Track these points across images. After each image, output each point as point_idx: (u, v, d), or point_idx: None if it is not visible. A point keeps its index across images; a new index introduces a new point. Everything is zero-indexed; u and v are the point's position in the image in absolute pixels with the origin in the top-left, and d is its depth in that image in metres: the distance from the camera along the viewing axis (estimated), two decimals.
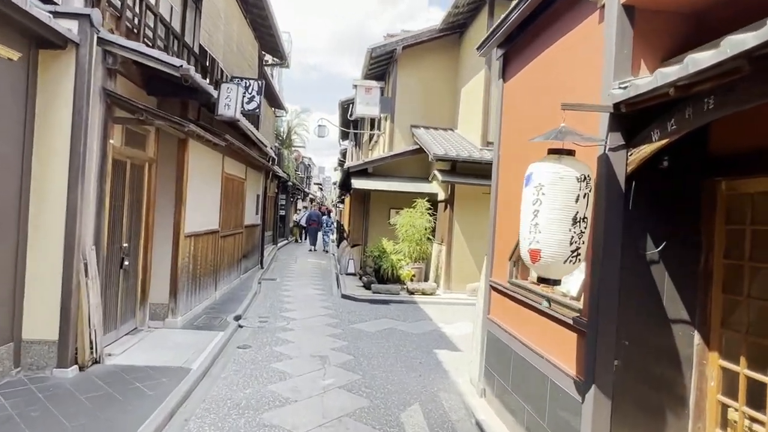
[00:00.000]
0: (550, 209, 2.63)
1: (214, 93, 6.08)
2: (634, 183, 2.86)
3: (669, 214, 2.95)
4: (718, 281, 2.95)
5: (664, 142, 2.55)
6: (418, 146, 12.66)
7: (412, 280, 11.09)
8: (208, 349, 5.60)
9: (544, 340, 3.64)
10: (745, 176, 2.78)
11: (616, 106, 2.81)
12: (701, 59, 2.10)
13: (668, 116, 2.48)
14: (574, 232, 2.63)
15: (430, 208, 11.71)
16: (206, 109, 7.21)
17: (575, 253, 2.67)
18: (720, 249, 2.94)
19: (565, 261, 2.67)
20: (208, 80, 8.09)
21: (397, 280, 11.12)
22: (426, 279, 11.63)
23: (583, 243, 2.68)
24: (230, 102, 6.28)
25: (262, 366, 5.39)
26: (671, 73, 2.29)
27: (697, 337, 2.99)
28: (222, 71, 9.16)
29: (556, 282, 2.80)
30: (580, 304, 3.19)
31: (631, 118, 2.83)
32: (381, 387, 4.99)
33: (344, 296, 10.24)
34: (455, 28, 13.04)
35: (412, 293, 10.55)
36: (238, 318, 7.44)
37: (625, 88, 2.74)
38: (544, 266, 2.71)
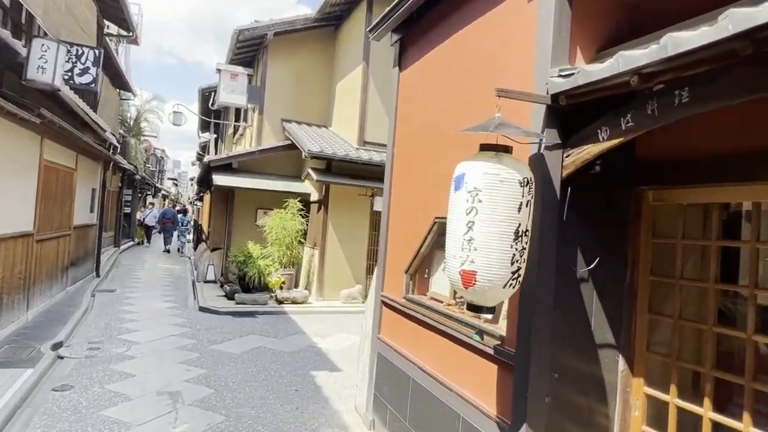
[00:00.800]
0: (489, 221, 2.07)
1: (22, 50, 4.53)
2: (569, 189, 2.45)
3: (600, 227, 2.61)
4: (644, 299, 2.69)
5: (615, 142, 2.15)
6: (290, 142, 11.71)
7: (281, 287, 10.12)
8: (4, 398, 4.10)
9: (455, 370, 3.12)
10: (673, 186, 2.54)
11: (555, 97, 2.37)
12: (685, 39, 1.69)
13: (624, 111, 2.08)
14: (516, 249, 2.11)
15: (302, 209, 10.85)
16: (15, 74, 5.47)
17: (516, 275, 2.15)
18: (646, 264, 2.68)
19: (505, 285, 2.13)
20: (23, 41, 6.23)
21: (265, 288, 10.06)
22: (296, 286, 10.74)
23: (524, 262, 2.17)
24: (47, 65, 4.76)
25: (88, 415, 4.08)
26: (639, 56, 1.87)
27: (621, 362, 2.70)
28: (45, 33, 7.23)
29: (490, 310, 2.25)
30: (501, 331, 2.72)
31: (571, 113, 2.41)
32: (251, 431, 4.06)
33: (202, 309, 8.89)
34: (331, 20, 12.37)
35: (281, 302, 9.60)
36: (57, 346, 5.81)
37: (567, 75, 2.31)
38: (479, 292, 2.14)
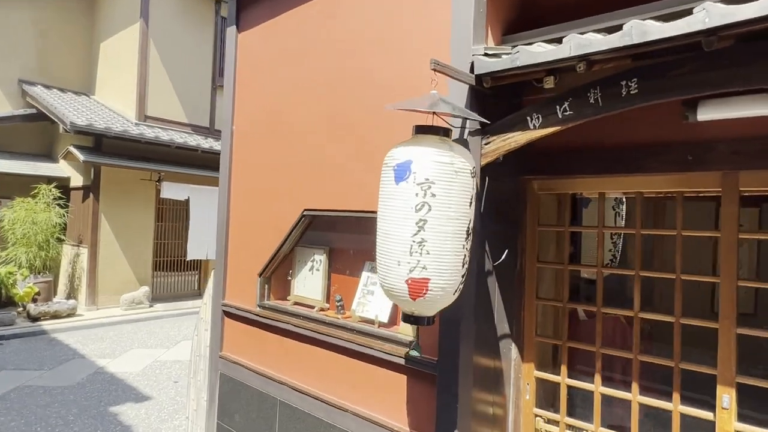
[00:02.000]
0: (444, 218, 1.74)
1: None
2: (487, 179, 2.29)
3: (504, 217, 2.54)
4: (531, 286, 2.76)
5: (549, 131, 2.05)
6: (36, 110, 9.07)
7: (35, 300, 7.80)
8: None
9: (346, 386, 2.71)
10: (556, 176, 2.64)
11: (479, 78, 2.16)
12: (654, 28, 1.65)
13: (561, 99, 1.99)
14: (466, 250, 1.84)
15: (61, 198, 8.55)
16: None
17: (463, 278, 1.88)
18: (532, 252, 2.75)
19: (455, 291, 1.84)
20: None
21: (9, 303, 7.61)
22: (56, 295, 8.45)
23: (468, 262, 1.91)
24: None
25: None
26: (595, 41, 1.78)
27: (514, 350, 2.73)
28: None
29: (430, 321, 1.93)
30: (410, 337, 2.43)
31: (493, 97, 2.24)
32: None
33: None
34: None
35: (37, 319, 7.40)
36: None
37: (494, 55, 2.12)
38: (429, 302, 1.80)
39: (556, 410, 2.60)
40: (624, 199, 3.47)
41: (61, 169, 9.28)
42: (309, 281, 3.20)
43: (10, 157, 8.93)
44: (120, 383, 5.06)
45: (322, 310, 3.03)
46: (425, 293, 1.78)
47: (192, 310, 8.81)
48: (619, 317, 3.24)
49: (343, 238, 3.11)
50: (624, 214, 3.51)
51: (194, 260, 9.94)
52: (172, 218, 9.65)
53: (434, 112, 1.87)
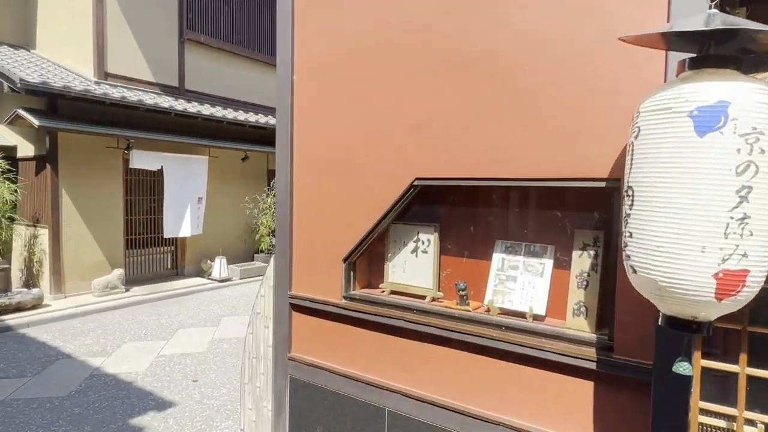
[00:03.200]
0: None
1: None
2: None
3: None
4: None
5: None
6: None
7: None
8: None
9: (499, 395, 2.21)
10: None
11: None
12: None
13: None
14: None
15: (10, 171, 7.31)
16: None
17: None
18: None
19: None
20: None
21: None
22: (8, 285, 7.30)
23: None
24: None
25: None
26: None
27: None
28: None
29: (710, 328, 1.44)
30: (583, 333, 1.95)
31: None
32: None
33: None
34: None
35: None
36: None
37: None
38: (736, 303, 1.30)
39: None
40: None
41: (2, 136, 7.92)
42: (411, 266, 2.63)
43: None
44: (128, 387, 4.32)
45: (434, 299, 2.49)
46: (739, 290, 1.28)
47: (173, 293, 7.96)
48: None
49: (458, 212, 2.55)
50: None
51: (169, 237, 8.98)
52: (142, 191, 8.58)
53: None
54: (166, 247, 9.05)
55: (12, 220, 7.31)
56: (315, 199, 2.85)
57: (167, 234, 8.35)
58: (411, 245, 2.66)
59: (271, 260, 3.08)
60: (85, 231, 7.60)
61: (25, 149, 7.61)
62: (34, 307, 6.69)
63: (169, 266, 9.13)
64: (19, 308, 6.51)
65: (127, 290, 7.80)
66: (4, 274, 6.85)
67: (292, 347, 3.00)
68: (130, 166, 7.80)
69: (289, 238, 2.98)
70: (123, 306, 7.22)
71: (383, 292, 2.63)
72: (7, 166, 7.21)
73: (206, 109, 8.76)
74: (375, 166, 2.52)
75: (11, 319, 6.26)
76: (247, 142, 9.85)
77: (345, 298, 2.68)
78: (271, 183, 10.23)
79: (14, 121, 7.01)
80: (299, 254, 2.96)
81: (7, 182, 7.17)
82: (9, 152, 7.53)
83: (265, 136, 10.45)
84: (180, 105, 8.35)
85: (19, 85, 6.29)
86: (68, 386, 4.31)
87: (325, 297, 2.77)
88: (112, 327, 6.13)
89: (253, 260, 10.08)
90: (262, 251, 10.09)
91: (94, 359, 4.98)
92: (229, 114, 9.17)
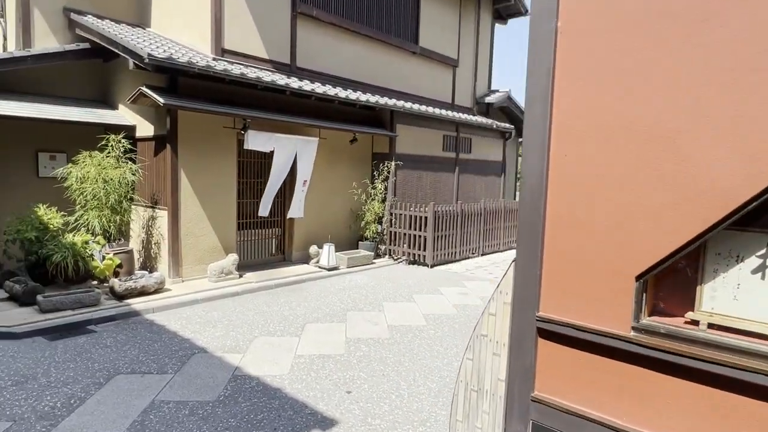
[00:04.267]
0: None
1: None
2: None
3: None
4: None
5: None
6: (89, 44, 7.57)
7: (117, 273, 6.60)
8: None
9: None
10: None
11: None
12: None
13: None
14: None
15: (132, 150, 7.19)
16: None
17: None
18: None
19: None
20: None
21: (87, 277, 6.42)
22: (132, 268, 7.23)
23: None
24: None
25: None
26: None
27: None
28: None
29: None
30: None
31: None
32: None
33: None
34: None
35: (123, 297, 6.20)
36: None
37: None
38: None
39: None
40: None
41: (122, 116, 7.85)
42: (750, 290, 1.81)
43: (62, 102, 7.50)
44: (279, 396, 3.85)
45: None
46: None
47: (285, 280, 7.60)
48: None
49: None
50: None
51: (275, 219, 8.66)
52: (253, 173, 8.27)
53: None
54: (272, 229, 8.75)
55: (131, 201, 7.20)
56: (591, 188, 2.06)
57: (261, 212, 7.96)
58: (753, 262, 1.83)
59: (509, 270, 2.37)
60: (202, 214, 7.37)
61: (144, 129, 7.47)
62: (156, 291, 6.52)
63: (274, 251, 8.84)
64: (142, 292, 6.35)
65: (240, 276, 7.54)
66: (128, 257, 6.74)
67: (537, 385, 2.27)
68: (245, 146, 7.46)
69: (540, 241, 2.22)
70: (240, 293, 6.93)
71: (691, 323, 1.84)
72: (129, 146, 7.08)
73: (318, 88, 8.25)
74: (716, 144, 1.70)
75: (136, 302, 6.10)
76: (355, 123, 9.30)
77: (636, 329, 1.90)
78: (382, 166, 9.66)
79: (137, 100, 6.82)
80: (555, 264, 2.20)
81: (129, 162, 7.04)
82: (128, 132, 7.42)
83: (371, 117, 9.86)
84: (294, 83, 7.89)
85: (146, 60, 6.01)
86: (214, 389, 3.91)
87: (597, 324, 2.00)
88: (237, 318, 5.79)
89: (357, 248, 9.60)
90: (366, 239, 9.58)
91: (230, 356, 4.59)
92: (341, 92, 8.62)
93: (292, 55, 8.61)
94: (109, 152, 6.90)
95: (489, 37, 13.27)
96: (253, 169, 8.26)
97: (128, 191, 6.98)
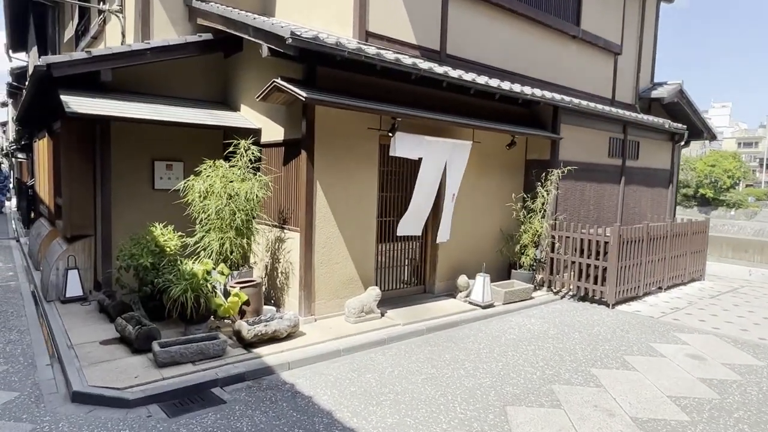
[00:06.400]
0: None
1: None
2: None
3: None
4: None
5: None
6: (212, 34, 6.49)
7: (243, 312, 5.29)
8: None
9: None
10: None
11: None
12: None
13: None
14: None
15: (260, 159, 5.95)
16: None
17: None
18: None
19: None
20: None
21: (208, 314, 5.16)
22: (260, 305, 5.90)
23: None
24: None
25: None
26: None
27: None
28: None
29: None
30: None
31: None
32: None
33: (81, 398, 3.84)
34: None
35: (252, 345, 4.85)
36: None
37: None
38: None
39: None
40: None
41: (246, 118, 6.68)
42: None
43: (179, 103, 6.45)
44: None
45: None
46: None
47: (435, 323, 5.94)
48: None
49: None
50: None
51: (416, 242, 7.05)
52: (396, 186, 6.74)
53: None
54: (411, 254, 7.15)
55: (253, 219, 5.90)
56: None
57: (401, 231, 6.35)
58: None
59: None
60: (338, 236, 5.92)
61: (272, 133, 6.20)
62: (289, 336, 5.12)
63: (412, 279, 7.22)
64: (274, 338, 4.97)
65: (381, 315, 5.98)
66: (256, 292, 5.40)
67: None
68: (392, 153, 5.92)
69: None
70: (387, 341, 5.36)
71: None
72: (258, 153, 5.81)
73: (478, 78, 6.55)
74: None
75: (268, 354, 4.71)
76: (511, 122, 7.50)
77: None
78: (541, 177, 7.76)
79: (268, 96, 5.52)
80: None
81: (257, 174, 5.77)
82: (255, 136, 6.17)
83: (526, 116, 7.99)
84: (452, 72, 6.24)
85: (289, 41, 4.63)
86: None
87: None
88: (403, 388, 4.19)
89: (509, 277, 7.74)
90: (521, 266, 7.69)
91: None
92: (504, 85, 6.86)
93: (442, 40, 7.00)
94: (236, 162, 5.67)
95: (654, 17, 10.88)
96: (397, 180, 6.73)
97: (256, 209, 5.70)
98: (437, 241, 6.85)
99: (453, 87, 6.38)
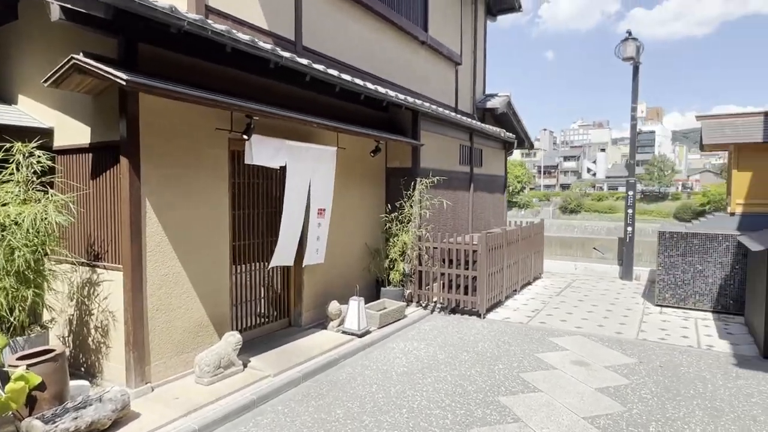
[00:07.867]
0: None
1: None
2: None
3: None
4: None
5: None
6: None
7: (35, 401, 3.49)
8: None
9: None
10: None
11: None
12: None
13: None
14: None
15: (52, 171, 4.18)
16: None
17: None
18: None
19: None
20: None
21: None
22: (65, 384, 4.07)
23: None
24: None
25: None
26: None
27: None
28: None
29: None
30: None
31: None
32: None
33: None
34: None
35: None
36: None
37: None
38: None
39: None
40: None
41: (25, 112, 4.73)
42: None
43: None
44: None
45: None
46: None
47: (310, 366, 4.94)
48: None
49: None
50: None
51: (273, 268, 5.91)
52: (251, 202, 5.49)
53: None
54: (269, 283, 5.96)
55: (46, 256, 4.11)
56: None
57: (275, 262, 5.30)
58: None
59: None
60: (180, 273, 4.47)
61: (72, 134, 4.44)
62: (116, 424, 3.55)
63: (272, 312, 6.03)
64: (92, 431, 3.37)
65: (244, 366, 4.71)
66: (55, 368, 3.62)
67: None
68: (248, 160, 4.72)
69: None
70: (257, 403, 4.16)
71: None
72: (44, 165, 4.03)
73: (345, 75, 5.71)
74: None
75: None
76: (374, 127, 6.86)
77: None
78: (405, 186, 7.27)
79: (65, 80, 3.83)
80: None
81: (52, 193, 4.01)
82: (43, 139, 4.34)
83: (385, 121, 7.48)
84: (317, 65, 5.28)
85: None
86: None
87: None
88: None
89: (378, 296, 7.07)
90: (389, 283, 7.10)
91: None
92: (370, 85, 6.16)
93: (297, 28, 5.99)
94: (11, 174, 3.82)
95: (483, 33, 11.50)
96: (250, 195, 5.48)
97: (50, 242, 3.93)
98: (304, 264, 5.80)
99: (315, 85, 5.45)
